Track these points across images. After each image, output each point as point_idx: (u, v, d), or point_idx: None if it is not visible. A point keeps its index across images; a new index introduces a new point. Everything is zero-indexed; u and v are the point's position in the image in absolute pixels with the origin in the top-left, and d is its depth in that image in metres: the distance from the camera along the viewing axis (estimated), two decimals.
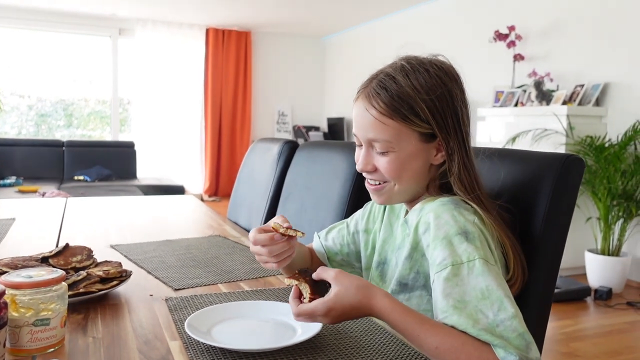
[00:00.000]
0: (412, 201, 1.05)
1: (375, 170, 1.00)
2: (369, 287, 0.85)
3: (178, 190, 5.85)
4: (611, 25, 3.96)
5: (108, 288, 1.04)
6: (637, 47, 3.77)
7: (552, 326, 2.99)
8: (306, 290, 0.87)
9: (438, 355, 0.80)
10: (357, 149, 1.04)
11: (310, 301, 0.85)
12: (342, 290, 0.83)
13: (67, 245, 1.18)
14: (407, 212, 1.07)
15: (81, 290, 0.99)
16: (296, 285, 0.88)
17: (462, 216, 0.90)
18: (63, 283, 0.85)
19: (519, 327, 0.79)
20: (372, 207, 1.20)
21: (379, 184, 1.01)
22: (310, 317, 0.84)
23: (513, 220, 1.00)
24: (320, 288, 0.87)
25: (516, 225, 1.00)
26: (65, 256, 1.15)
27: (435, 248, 0.88)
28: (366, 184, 1.05)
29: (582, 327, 3.08)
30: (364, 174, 1.03)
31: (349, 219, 1.24)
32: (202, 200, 7.65)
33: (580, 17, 4.21)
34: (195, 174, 7.75)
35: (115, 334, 0.89)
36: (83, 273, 1.04)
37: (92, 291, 1.01)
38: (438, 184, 1.02)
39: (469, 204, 0.95)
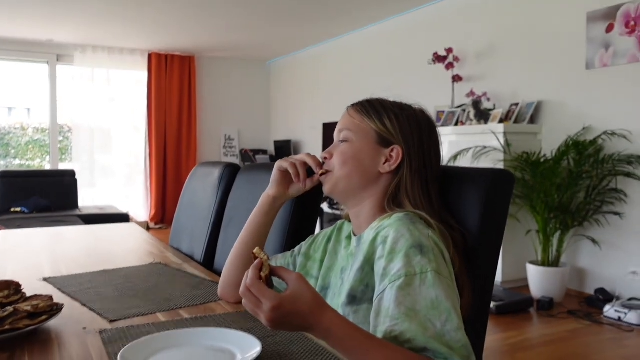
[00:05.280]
0: (361, 217, 1.09)
1: (331, 157, 1.10)
2: (324, 302, 0.84)
3: (122, 218, 5.66)
4: (542, 47, 4.16)
5: (37, 323, 0.99)
6: (566, 67, 3.97)
7: (498, 338, 3.06)
8: (266, 269, 0.84)
9: None
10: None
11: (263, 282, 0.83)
12: (299, 293, 0.81)
13: None
14: (354, 235, 1.11)
15: (7, 327, 0.94)
16: (261, 259, 0.85)
17: (418, 230, 0.95)
18: None
19: (463, 339, 0.84)
20: (317, 237, 1.23)
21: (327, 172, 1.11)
22: (256, 299, 0.81)
23: (464, 245, 1.03)
24: (271, 281, 0.85)
25: (467, 250, 1.04)
26: None
27: (392, 260, 0.92)
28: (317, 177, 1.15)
29: (526, 337, 3.16)
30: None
31: (296, 248, 1.26)
32: (148, 228, 7.49)
33: (513, 39, 4.41)
34: (140, 202, 7.55)
35: None
36: (9, 309, 0.99)
37: (18, 328, 0.96)
38: (391, 201, 1.06)
39: (423, 219, 1.00)
